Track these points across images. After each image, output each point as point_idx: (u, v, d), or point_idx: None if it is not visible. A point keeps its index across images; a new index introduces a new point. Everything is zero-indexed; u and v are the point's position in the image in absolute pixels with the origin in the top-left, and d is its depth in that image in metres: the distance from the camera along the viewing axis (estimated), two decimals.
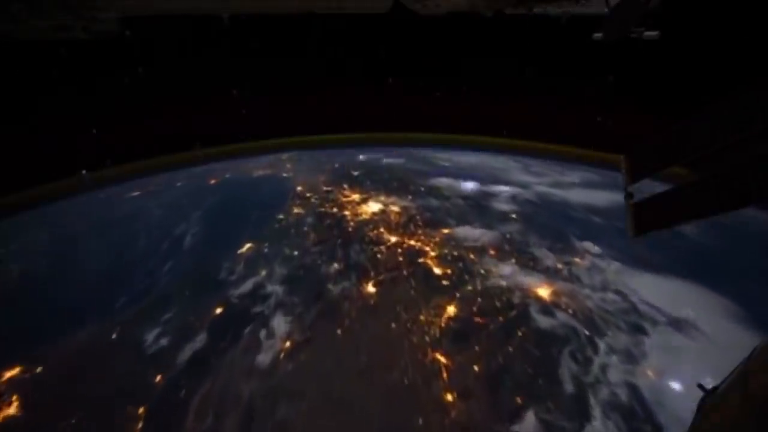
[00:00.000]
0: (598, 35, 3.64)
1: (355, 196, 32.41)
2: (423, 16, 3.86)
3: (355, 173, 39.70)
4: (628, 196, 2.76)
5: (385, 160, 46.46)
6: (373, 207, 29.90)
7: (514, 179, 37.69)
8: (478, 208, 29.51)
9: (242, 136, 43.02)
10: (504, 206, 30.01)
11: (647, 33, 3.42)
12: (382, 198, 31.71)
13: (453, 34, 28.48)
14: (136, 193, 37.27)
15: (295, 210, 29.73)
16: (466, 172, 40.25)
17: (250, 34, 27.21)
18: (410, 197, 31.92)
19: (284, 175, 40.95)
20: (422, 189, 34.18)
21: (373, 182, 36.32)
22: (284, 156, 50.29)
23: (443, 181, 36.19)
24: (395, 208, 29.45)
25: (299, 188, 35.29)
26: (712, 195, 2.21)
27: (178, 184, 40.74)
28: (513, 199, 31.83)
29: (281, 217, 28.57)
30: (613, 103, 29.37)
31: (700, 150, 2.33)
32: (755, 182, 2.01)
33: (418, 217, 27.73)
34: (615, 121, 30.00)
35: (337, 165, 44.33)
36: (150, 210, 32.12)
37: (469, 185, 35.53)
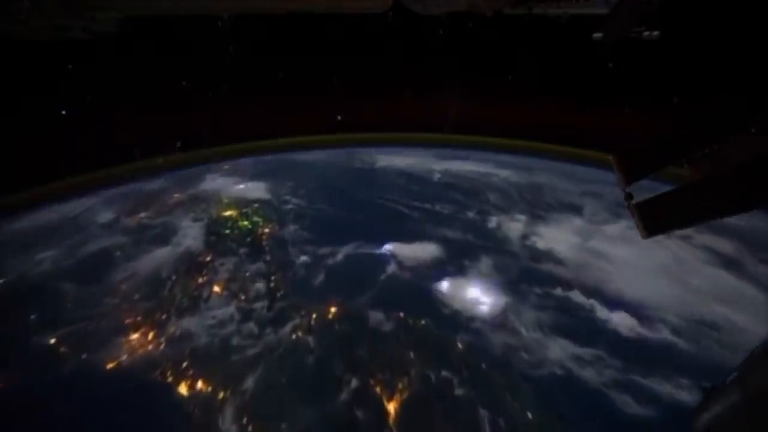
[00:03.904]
0: (598, 35, 3.56)
1: None
2: (422, 15, 3.72)
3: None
4: (628, 196, 2.53)
5: (436, 289, 14.74)
6: None
7: None
8: None
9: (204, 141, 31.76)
10: None
11: (647, 33, 3.45)
12: None
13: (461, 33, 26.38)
14: None
15: None
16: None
17: (245, 34, 23.92)
18: None
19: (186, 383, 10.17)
20: None
21: None
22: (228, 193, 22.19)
23: None
24: None
25: None
26: (720, 196, 2.14)
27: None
28: None
29: None
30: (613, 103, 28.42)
31: (700, 149, 2.32)
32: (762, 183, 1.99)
33: None
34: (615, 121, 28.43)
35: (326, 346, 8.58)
36: None
37: None
